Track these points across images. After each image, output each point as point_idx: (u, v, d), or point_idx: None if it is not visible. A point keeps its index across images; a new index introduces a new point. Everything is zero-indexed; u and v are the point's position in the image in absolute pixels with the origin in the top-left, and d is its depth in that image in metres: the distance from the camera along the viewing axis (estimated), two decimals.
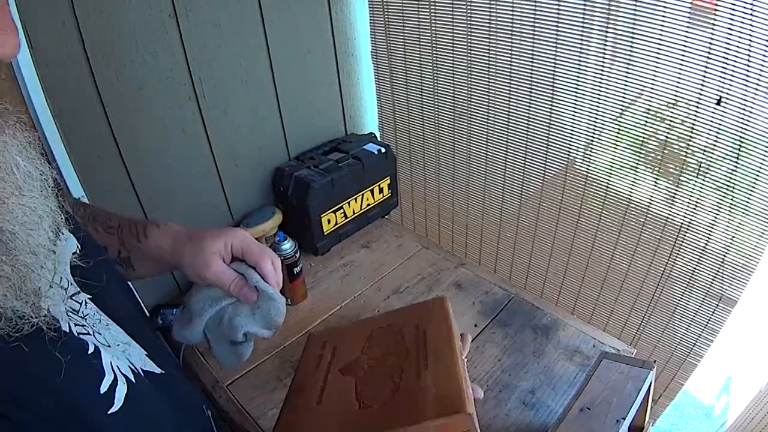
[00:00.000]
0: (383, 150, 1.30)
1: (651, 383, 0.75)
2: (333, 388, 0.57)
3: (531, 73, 1.12)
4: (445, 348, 0.56)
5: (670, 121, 0.98)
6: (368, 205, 1.33)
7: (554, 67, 1.08)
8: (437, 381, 0.51)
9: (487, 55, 1.17)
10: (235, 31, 1.08)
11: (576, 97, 1.08)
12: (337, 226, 1.26)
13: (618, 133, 1.08)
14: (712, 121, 0.92)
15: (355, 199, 1.28)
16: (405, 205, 1.59)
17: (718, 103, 0.89)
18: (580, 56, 1.04)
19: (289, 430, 0.55)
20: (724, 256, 1.03)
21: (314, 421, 0.54)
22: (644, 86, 0.98)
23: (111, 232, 0.62)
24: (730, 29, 0.82)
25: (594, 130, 1.10)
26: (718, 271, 1.05)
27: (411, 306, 0.71)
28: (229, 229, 0.61)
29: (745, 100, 0.86)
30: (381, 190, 1.34)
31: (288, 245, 1.05)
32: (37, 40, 0.82)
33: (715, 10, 0.82)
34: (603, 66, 1.02)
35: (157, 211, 1.08)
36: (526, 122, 1.19)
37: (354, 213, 1.30)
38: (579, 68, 1.05)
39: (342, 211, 1.26)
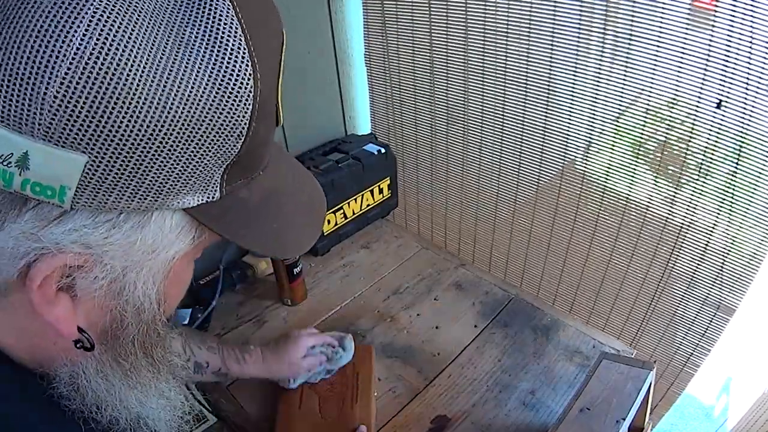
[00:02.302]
0: (383, 150, 1.30)
1: (651, 384, 0.75)
2: (306, 399, 0.86)
3: (526, 76, 1.11)
4: (367, 389, 0.88)
5: (670, 122, 0.98)
6: (368, 205, 1.33)
7: (550, 69, 1.07)
8: (360, 412, 0.84)
9: (481, 56, 1.17)
10: None
11: (573, 97, 1.08)
12: (336, 227, 1.26)
13: (616, 133, 1.08)
14: (712, 123, 0.91)
15: (355, 199, 1.28)
16: (406, 205, 1.59)
17: (718, 106, 0.88)
18: (577, 57, 1.03)
19: (288, 424, 0.82)
20: (723, 262, 1.02)
21: (298, 421, 0.83)
22: (643, 87, 0.98)
23: (213, 352, 0.81)
24: (731, 30, 0.82)
25: (591, 130, 1.10)
26: (716, 278, 1.04)
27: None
28: (295, 336, 0.88)
29: (745, 101, 0.85)
30: (381, 191, 1.34)
31: None
32: None
33: (715, 10, 0.82)
34: (600, 67, 1.02)
35: None
36: (521, 122, 1.18)
37: (354, 213, 1.30)
38: (576, 70, 1.05)
39: (342, 211, 1.26)
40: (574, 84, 1.06)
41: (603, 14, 0.99)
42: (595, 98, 1.04)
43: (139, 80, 0.25)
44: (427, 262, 1.24)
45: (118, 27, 0.24)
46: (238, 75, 0.27)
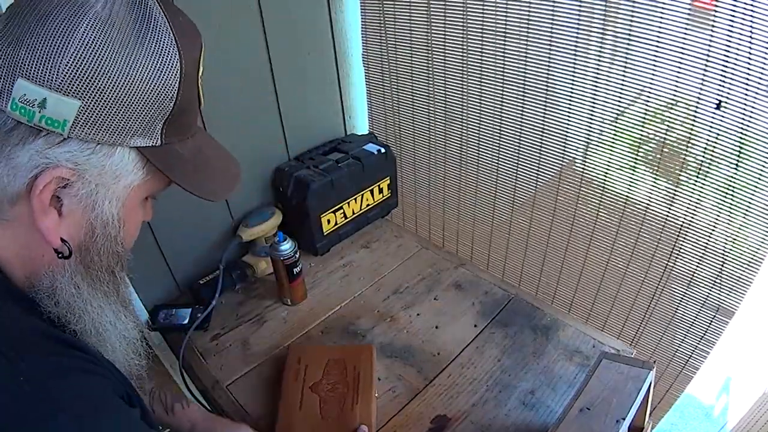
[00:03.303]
0: (383, 150, 1.30)
1: (651, 383, 0.75)
2: (307, 400, 0.87)
3: (525, 76, 1.11)
4: (368, 390, 0.88)
5: (669, 122, 0.97)
6: (368, 205, 1.33)
7: (548, 69, 1.07)
8: (361, 413, 0.84)
9: (480, 56, 1.16)
10: (235, 32, 1.08)
11: (571, 97, 1.08)
12: (336, 227, 1.26)
13: (615, 133, 1.08)
14: (712, 123, 0.91)
15: (355, 199, 1.28)
16: (403, 205, 1.59)
17: (718, 107, 0.88)
18: (575, 58, 1.03)
19: (288, 425, 0.83)
20: (723, 263, 1.02)
21: (298, 422, 0.84)
22: (642, 87, 0.98)
23: (143, 393, 0.81)
24: (730, 30, 0.82)
25: (590, 130, 1.10)
26: (716, 280, 1.04)
27: (352, 346, 1.00)
28: (240, 425, 0.83)
29: (745, 101, 0.85)
30: (381, 191, 1.34)
31: (287, 245, 1.05)
32: None
33: (715, 10, 0.82)
34: (600, 67, 1.02)
35: (158, 211, 1.07)
36: (519, 122, 1.18)
37: (354, 213, 1.30)
38: (575, 70, 1.04)
39: (342, 211, 1.26)
40: (572, 84, 1.06)
41: (602, 14, 0.99)
42: (594, 98, 1.04)
43: (113, 59, 0.41)
44: (426, 261, 1.24)
45: (103, 28, 0.41)
46: (169, 59, 0.45)
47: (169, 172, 0.49)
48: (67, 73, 0.40)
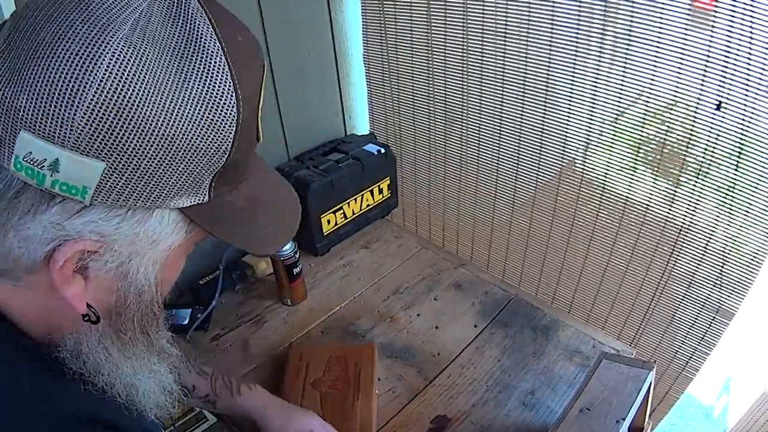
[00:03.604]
0: (383, 150, 1.30)
1: (651, 383, 0.75)
2: (308, 396, 0.87)
3: (525, 76, 1.11)
4: (369, 387, 0.88)
5: (669, 122, 0.97)
6: (368, 205, 1.33)
7: (548, 69, 1.07)
8: (362, 410, 0.85)
9: (480, 56, 1.16)
10: None
11: (571, 97, 1.08)
12: (336, 227, 1.26)
13: (615, 134, 1.08)
14: (712, 123, 0.91)
15: (355, 199, 1.28)
16: (403, 205, 1.59)
17: (718, 108, 0.88)
18: (575, 58, 1.03)
19: None
20: (723, 265, 1.01)
21: None
22: (642, 88, 0.98)
23: (204, 377, 0.80)
24: (730, 30, 0.82)
25: (590, 131, 1.10)
26: (716, 281, 1.04)
27: (353, 346, 1.00)
28: (308, 412, 0.81)
29: (745, 101, 0.85)
30: (381, 191, 1.34)
31: (287, 246, 1.05)
32: None
33: (715, 10, 0.82)
34: (599, 67, 1.02)
35: None
36: (519, 122, 1.18)
37: (354, 213, 1.30)
38: (575, 70, 1.04)
39: (342, 211, 1.26)
40: (572, 84, 1.06)
41: (602, 14, 0.99)
42: (594, 98, 1.04)
43: (148, 108, 0.32)
44: (426, 262, 1.24)
45: (132, 65, 0.31)
46: (224, 105, 0.35)
47: (215, 230, 0.40)
48: (85, 126, 0.30)
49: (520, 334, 1.01)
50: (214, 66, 0.34)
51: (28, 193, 0.33)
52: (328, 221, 1.23)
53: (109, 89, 0.30)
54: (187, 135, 0.34)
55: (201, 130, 0.34)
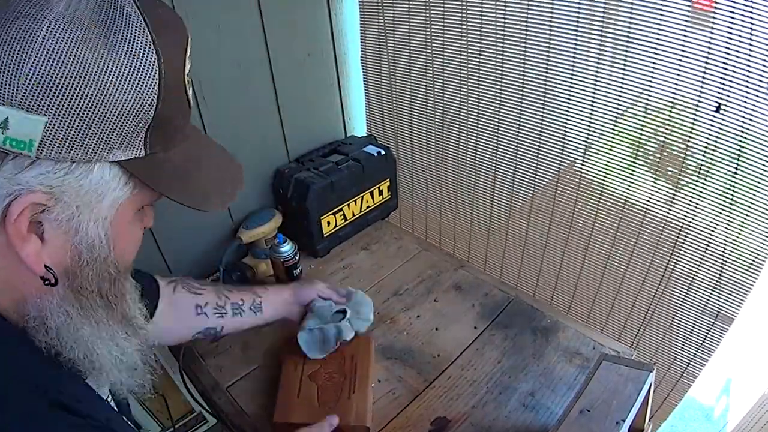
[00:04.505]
0: (383, 152, 1.30)
1: (651, 385, 0.75)
2: (305, 388, 0.89)
3: (523, 78, 1.11)
4: (365, 380, 0.90)
5: (669, 123, 0.97)
6: (368, 207, 1.33)
7: (547, 70, 1.07)
8: (357, 402, 0.86)
9: (478, 58, 1.16)
10: (235, 33, 1.08)
11: (570, 99, 1.07)
12: (336, 228, 1.26)
13: (615, 135, 1.08)
14: (711, 124, 0.91)
15: (355, 201, 1.28)
16: (401, 207, 1.59)
17: (717, 110, 0.88)
18: (574, 59, 1.03)
19: (286, 411, 0.85)
20: (722, 268, 1.01)
21: (296, 408, 0.85)
22: (642, 89, 0.97)
23: (220, 315, 0.88)
24: (730, 31, 0.82)
25: (589, 132, 1.09)
26: (715, 284, 1.03)
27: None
28: (313, 281, 0.95)
29: (745, 103, 0.85)
30: (381, 192, 1.34)
31: (287, 247, 1.05)
32: None
33: (714, 11, 0.82)
34: (599, 68, 1.02)
35: (158, 213, 1.07)
36: (517, 123, 1.18)
37: (354, 215, 1.30)
38: (573, 71, 1.04)
39: (341, 213, 1.26)
40: (571, 86, 1.06)
41: (601, 15, 0.99)
42: (593, 100, 1.04)
43: (79, 67, 0.37)
44: (426, 263, 1.24)
45: (65, 32, 0.37)
46: (144, 59, 0.40)
47: (155, 184, 0.45)
48: (28, 86, 0.36)
49: (520, 336, 1.01)
50: (135, 28, 0.40)
51: None
52: (328, 223, 1.24)
53: (48, 52, 0.36)
54: (116, 88, 0.39)
55: (127, 83, 0.39)
